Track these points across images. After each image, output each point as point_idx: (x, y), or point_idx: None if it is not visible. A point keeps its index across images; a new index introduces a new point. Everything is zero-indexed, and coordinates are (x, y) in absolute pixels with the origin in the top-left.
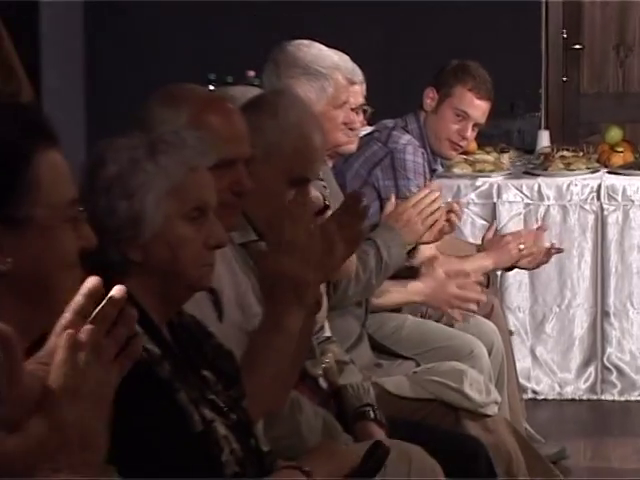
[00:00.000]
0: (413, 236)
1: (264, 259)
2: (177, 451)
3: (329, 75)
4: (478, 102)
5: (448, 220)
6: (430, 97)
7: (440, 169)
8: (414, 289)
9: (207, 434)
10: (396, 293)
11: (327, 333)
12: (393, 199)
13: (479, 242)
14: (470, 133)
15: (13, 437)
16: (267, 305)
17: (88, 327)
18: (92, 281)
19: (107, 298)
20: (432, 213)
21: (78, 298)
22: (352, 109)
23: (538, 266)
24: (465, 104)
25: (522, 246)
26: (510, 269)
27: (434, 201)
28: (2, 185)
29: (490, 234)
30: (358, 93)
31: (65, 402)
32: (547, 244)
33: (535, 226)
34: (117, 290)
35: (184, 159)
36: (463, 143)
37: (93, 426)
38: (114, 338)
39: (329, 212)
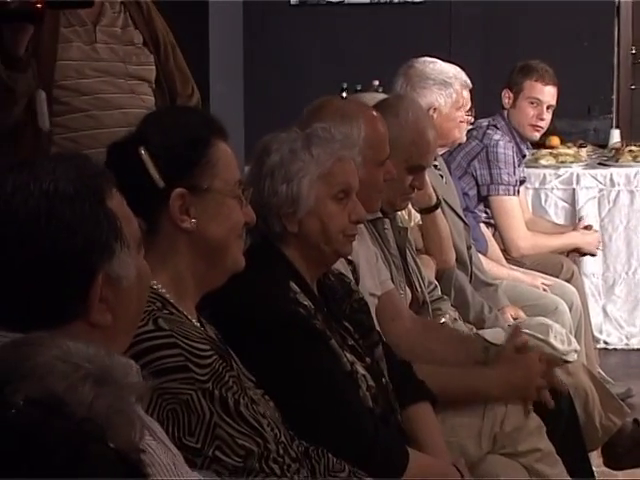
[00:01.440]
0: None
1: None
2: (335, 386)
3: (452, 84)
4: (545, 88)
5: None
6: (507, 97)
7: (528, 154)
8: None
9: (352, 373)
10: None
11: (439, 292)
12: None
13: (561, 222)
14: (546, 114)
15: None
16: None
17: None
18: None
19: None
20: None
21: None
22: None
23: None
24: (535, 92)
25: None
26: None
27: None
28: (192, 162)
29: (581, 225)
30: (468, 98)
31: None
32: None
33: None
34: None
35: (333, 151)
36: (542, 124)
37: None
38: None
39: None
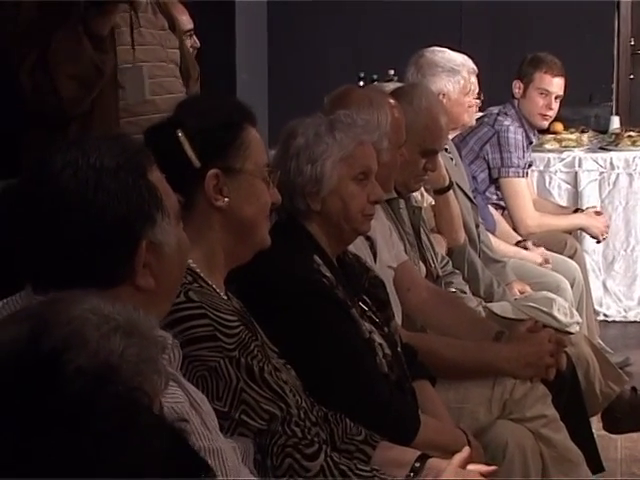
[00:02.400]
0: None
1: None
2: (353, 352)
3: (460, 71)
4: (554, 79)
5: None
6: (517, 87)
7: (535, 141)
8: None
9: (370, 341)
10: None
11: (451, 267)
12: None
13: (564, 203)
14: (554, 104)
15: None
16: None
17: None
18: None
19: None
20: None
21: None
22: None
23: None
24: (545, 83)
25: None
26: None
27: None
28: (226, 144)
29: (591, 212)
30: (476, 83)
31: None
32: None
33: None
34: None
35: (354, 135)
36: (551, 113)
37: None
38: None
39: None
